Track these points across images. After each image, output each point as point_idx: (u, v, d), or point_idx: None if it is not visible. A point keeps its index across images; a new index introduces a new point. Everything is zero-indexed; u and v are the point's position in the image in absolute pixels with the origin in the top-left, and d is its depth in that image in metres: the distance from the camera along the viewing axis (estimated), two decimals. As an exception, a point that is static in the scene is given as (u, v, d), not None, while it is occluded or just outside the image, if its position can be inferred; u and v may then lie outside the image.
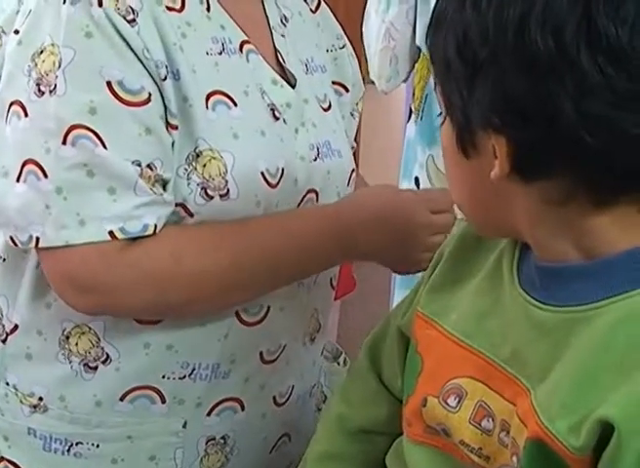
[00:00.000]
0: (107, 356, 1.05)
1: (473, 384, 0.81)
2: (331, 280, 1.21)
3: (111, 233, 0.97)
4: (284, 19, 1.18)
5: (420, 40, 2.10)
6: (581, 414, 0.69)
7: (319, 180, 1.13)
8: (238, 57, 1.08)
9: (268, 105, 1.08)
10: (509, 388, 0.78)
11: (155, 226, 0.99)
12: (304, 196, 1.11)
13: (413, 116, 2.16)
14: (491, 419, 0.79)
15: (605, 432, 0.67)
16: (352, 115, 1.28)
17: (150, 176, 0.98)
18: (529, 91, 0.69)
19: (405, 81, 2.21)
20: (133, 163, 0.97)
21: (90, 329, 1.05)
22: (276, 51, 1.14)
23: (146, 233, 0.98)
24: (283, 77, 1.12)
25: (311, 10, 1.24)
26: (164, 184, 1.00)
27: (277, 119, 1.09)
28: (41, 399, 1.07)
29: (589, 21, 0.67)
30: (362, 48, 2.27)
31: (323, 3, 1.26)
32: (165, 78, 0.99)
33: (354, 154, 1.27)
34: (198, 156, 1.01)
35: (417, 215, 1.09)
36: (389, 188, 1.18)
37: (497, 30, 0.70)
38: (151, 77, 0.98)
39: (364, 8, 2.23)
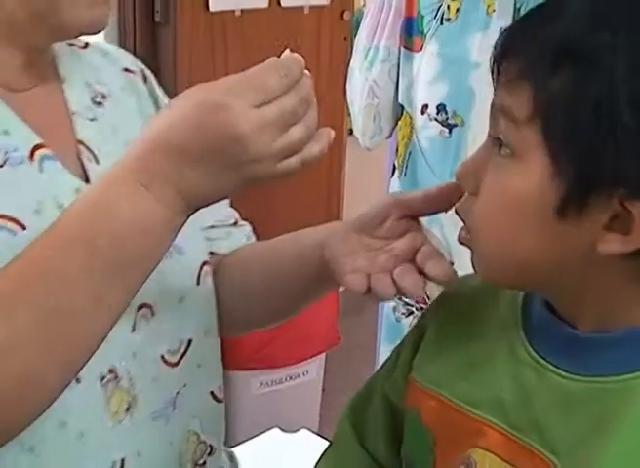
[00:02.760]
0: None
1: (482, 455, 0.77)
2: (212, 392, 1.00)
3: None
4: (99, 98, 0.98)
5: (402, 98, 2.12)
6: None
7: (151, 292, 0.89)
8: (27, 166, 0.86)
9: None
10: (526, 458, 0.73)
11: None
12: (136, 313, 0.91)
13: (397, 171, 2.18)
14: None
15: None
16: None
17: None
18: None
19: (388, 137, 2.23)
20: None
21: None
22: (82, 145, 0.93)
23: None
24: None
25: (144, 79, 1.06)
26: None
27: None
28: None
29: None
30: (345, 104, 2.30)
31: (148, 71, 1.08)
32: None
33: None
34: None
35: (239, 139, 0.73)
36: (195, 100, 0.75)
37: None
38: None
39: (348, 65, 2.26)
